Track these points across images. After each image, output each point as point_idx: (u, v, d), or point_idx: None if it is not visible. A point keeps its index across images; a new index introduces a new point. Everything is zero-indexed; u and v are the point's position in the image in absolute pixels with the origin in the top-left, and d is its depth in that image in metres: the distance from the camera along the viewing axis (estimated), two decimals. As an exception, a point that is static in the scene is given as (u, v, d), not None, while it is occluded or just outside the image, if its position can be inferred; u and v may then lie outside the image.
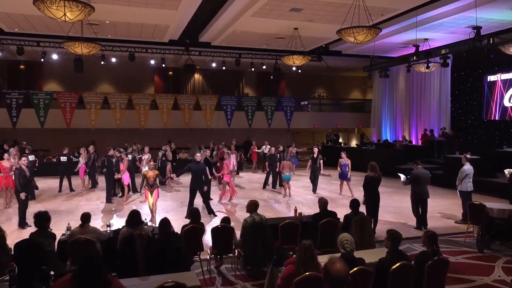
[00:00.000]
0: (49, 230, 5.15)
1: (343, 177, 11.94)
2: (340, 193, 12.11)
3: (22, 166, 8.70)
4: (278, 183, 13.22)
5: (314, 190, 12.42)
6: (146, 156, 12.41)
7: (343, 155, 11.99)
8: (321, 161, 12.72)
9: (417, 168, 8.41)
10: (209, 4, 12.01)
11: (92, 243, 5.04)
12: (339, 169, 12.02)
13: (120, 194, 11.62)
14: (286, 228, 6.02)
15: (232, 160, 12.87)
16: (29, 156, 10.62)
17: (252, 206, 5.92)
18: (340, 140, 23.94)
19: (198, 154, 9.67)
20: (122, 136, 16.95)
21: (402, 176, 8.77)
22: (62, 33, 13.28)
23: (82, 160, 12.65)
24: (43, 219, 5.07)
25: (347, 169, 11.73)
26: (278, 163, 12.65)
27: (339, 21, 10.91)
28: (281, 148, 14.31)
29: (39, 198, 11.34)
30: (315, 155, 12.42)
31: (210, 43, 16.53)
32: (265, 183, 13.36)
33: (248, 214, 5.89)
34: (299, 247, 3.89)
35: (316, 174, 12.51)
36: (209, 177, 10.25)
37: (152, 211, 8.56)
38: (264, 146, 17.10)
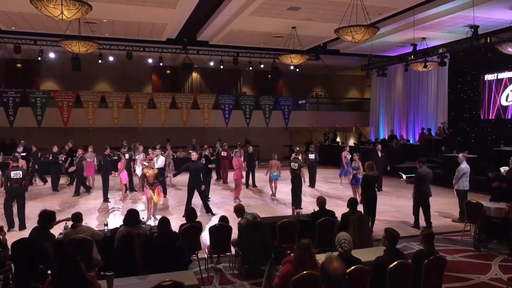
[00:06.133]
0: (49, 231, 5.12)
1: (356, 183, 10.10)
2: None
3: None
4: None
5: None
6: (140, 156, 12.34)
7: (355, 157, 10.39)
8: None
9: (421, 167, 8.34)
10: (207, 2, 11.99)
11: (90, 242, 5.03)
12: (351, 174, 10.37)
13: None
14: (284, 227, 6.03)
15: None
16: None
17: (239, 211, 5.97)
18: (338, 139, 23.92)
19: (194, 153, 9.66)
20: (119, 135, 16.89)
21: (404, 176, 8.77)
22: (59, 31, 13.22)
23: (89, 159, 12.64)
24: (49, 219, 5.04)
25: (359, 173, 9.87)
26: (256, 162, 12.69)
27: (337, 20, 10.91)
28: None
29: (35, 197, 11.30)
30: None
31: (208, 42, 16.50)
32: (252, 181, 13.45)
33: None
34: (297, 246, 3.90)
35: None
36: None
37: (154, 209, 8.67)
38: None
